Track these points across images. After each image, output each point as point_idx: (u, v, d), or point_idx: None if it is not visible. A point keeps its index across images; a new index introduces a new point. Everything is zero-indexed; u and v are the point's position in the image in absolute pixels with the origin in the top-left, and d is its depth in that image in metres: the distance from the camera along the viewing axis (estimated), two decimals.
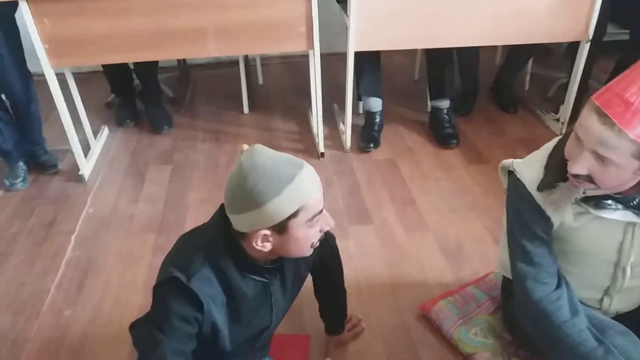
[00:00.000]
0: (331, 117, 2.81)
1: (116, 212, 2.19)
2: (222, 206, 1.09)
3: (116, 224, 2.12)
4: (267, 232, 1.01)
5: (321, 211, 1.05)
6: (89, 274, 1.87)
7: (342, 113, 2.60)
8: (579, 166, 1.00)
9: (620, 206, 1.11)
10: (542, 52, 3.33)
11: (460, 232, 2.00)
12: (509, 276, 1.32)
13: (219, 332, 1.09)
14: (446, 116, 2.61)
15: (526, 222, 1.17)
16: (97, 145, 2.66)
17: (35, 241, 2.05)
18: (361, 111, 2.80)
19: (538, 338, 1.22)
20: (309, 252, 1.11)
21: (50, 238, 2.06)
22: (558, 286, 1.18)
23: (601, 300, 1.27)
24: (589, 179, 1.02)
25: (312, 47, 2.27)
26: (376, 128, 2.59)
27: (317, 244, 1.11)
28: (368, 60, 2.52)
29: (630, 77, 0.96)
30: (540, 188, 1.13)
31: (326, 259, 1.40)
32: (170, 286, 1.02)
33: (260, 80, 3.35)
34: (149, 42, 2.20)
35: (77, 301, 1.76)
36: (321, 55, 2.29)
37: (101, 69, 2.90)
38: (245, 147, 1.03)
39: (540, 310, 1.16)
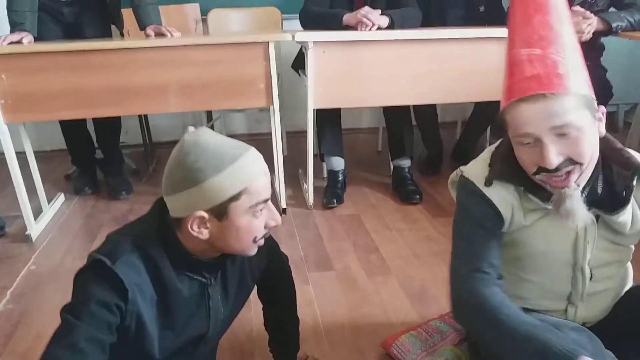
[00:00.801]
0: (296, 182, 2.80)
1: (61, 269, 2.05)
2: (160, 198, 1.01)
3: (59, 280, 1.97)
4: (205, 215, 0.92)
5: (266, 201, 0.98)
6: (20, 326, 1.70)
7: (305, 175, 2.59)
8: (552, 156, 0.95)
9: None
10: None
11: (425, 276, 1.91)
12: None
13: (145, 331, 0.95)
14: (407, 174, 2.61)
15: (475, 216, 1.11)
16: (51, 210, 2.56)
17: None
18: (325, 175, 2.79)
19: (479, 331, 1.09)
20: (251, 249, 1.01)
21: None
22: (498, 279, 1.09)
23: (565, 310, 1.18)
24: (568, 162, 0.97)
25: (272, 103, 2.31)
26: (339, 186, 2.57)
27: (261, 242, 1.02)
28: (329, 121, 2.56)
29: (512, 68, 0.99)
30: (486, 183, 1.09)
31: (277, 278, 1.30)
32: (92, 270, 0.91)
33: None
34: (109, 99, 2.21)
35: (2, 352, 1.58)
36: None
37: (64, 147, 2.86)
38: (191, 128, 0.98)
39: (477, 296, 1.04)
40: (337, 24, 2.39)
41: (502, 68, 1.03)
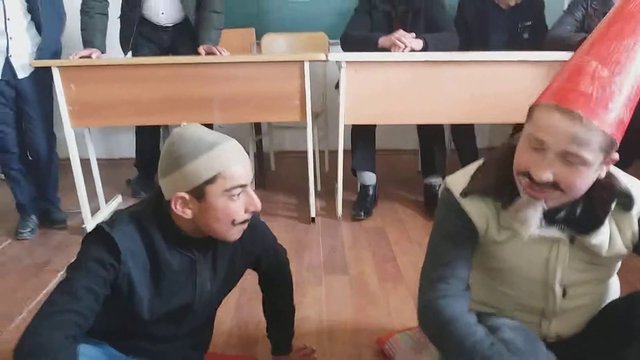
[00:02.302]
0: (332, 196, 2.91)
1: None
2: None
3: None
4: (186, 196, 1.06)
5: (244, 186, 1.09)
6: None
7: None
8: (544, 172, 0.94)
9: (544, 222, 1.04)
10: None
11: None
12: None
13: (135, 292, 1.09)
14: (439, 192, 2.65)
15: (449, 228, 1.13)
16: (107, 209, 2.83)
17: (24, 277, 2.14)
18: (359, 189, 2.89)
19: (434, 341, 1.12)
20: (232, 232, 1.11)
21: (38, 275, 2.15)
22: (464, 290, 1.11)
23: (540, 324, 1.18)
24: (554, 186, 0.97)
25: (305, 118, 2.47)
26: (369, 199, 2.67)
27: (243, 227, 1.13)
28: (362, 137, 2.68)
29: (572, 73, 0.96)
30: (462, 194, 1.10)
31: (274, 268, 1.41)
32: (94, 235, 1.08)
33: (273, 167, 3.56)
34: (162, 108, 2.46)
35: None
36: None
37: (126, 155, 3.15)
38: (183, 124, 1.14)
39: (434, 307, 1.07)
40: (373, 47, 2.53)
41: (532, 91, 1.00)
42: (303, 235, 2.45)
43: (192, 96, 2.45)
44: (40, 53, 2.43)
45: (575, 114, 0.91)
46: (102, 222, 1.08)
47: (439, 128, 2.71)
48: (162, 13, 2.77)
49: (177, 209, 1.07)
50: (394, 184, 3.13)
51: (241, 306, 1.84)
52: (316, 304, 1.85)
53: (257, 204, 1.11)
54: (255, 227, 1.24)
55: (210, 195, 1.06)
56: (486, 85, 2.39)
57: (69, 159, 2.51)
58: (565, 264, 1.10)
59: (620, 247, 1.08)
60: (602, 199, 1.04)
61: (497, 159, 1.11)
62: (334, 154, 3.41)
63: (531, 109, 1.00)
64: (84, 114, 2.46)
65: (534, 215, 1.02)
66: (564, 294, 1.13)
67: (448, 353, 1.06)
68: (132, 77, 2.41)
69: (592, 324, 1.19)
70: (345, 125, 2.49)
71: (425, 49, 2.50)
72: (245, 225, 1.14)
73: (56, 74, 2.37)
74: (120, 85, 2.42)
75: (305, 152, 2.57)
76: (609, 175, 1.04)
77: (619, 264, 1.18)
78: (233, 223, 1.10)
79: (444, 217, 1.14)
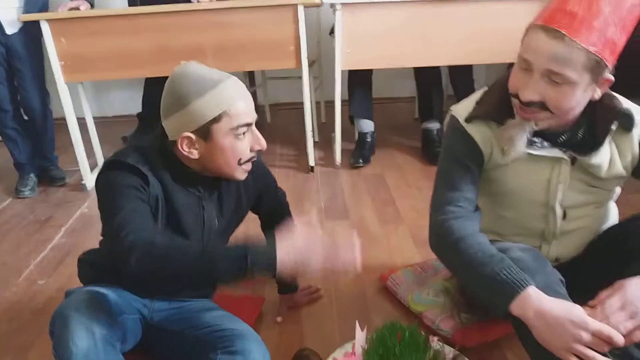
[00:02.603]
0: (330, 146, 2.91)
1: None
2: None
3: None
4: (192, 135, 1.06)
5: (249, 125, 1.09)
6: (70, 255, 1.95)
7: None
8: (531, 91, 0.99)
9: (546, 144, 1.10)
10: None
11: None
12: None
13: (157, 223, 1.09)
14: (436, 137, 2.66)
15: (456, 153, 1.17)
16: None
17: (27, 233, 2.16)
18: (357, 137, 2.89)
19: (446, 260, 1.16)
20: (239, 171, 1.13)
21: (42, 230, 2.17)
22: (474, 211, 1.14)
23: (540, 247, 1.22)
24: (542, 106, 1.00)
25: (300, 66, 2.43)
26: (367, 147, 2.67)
27: (248, 167, 1.14)
28: (358, 84, 2.66)
29: None
30: (467, 120, 1.14)
31: (274, 207, 1.43)
32: (109, 170, 1.07)
33: (268, 120, 3.54)
34: (154, 59, 2.42)
35: (53, 274, 1.83)
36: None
37: (119, 113, 3.10)
38: (182, 62, 1.12)
39: (446, 227, 1.10)
40: None
41: (522, 29, 1.01)
42: (302, 184, 2.46)
43: (185, 45, 2.40)
44: (28, 7, 2.37)
45: (557, 33, 0.94)
46: (115, 156, 1.08)
47: (436, 73, 2.68)
48: None
49: (184, 149, 1.08)
50: (391, 131, 3.12)
51: None
52: None
53: (263, 143, 1.12)
54: (258, 165, 1.25)
55: (217, 134, 1.06)
56: (484, 23, 2.35)
57: (62, 119, 2.48)
58: (566, 184, 1.13)
59: (619, 168, 1.11)
60: (603, 119, 1.07)
61: (498, 85, 1.13)
62: (329, 104, 3.40)
63: (525, 32, 1.03)
64: (76, 68, 2.42)
65: (521, 136, 1.06)
66: (564, 216, 1.16)
67: (460, 270, 1.10)
68: (123, 28, 2.36)
69: (590, 247, 1.23)
70: (342, 72, 2.45)
71: None
72: (250, 165, 1.15)
73: (45, 28, 2.32)
74: (111, 37, 2.37)
75: (301, 104, 2.55)
76: (611, 97, 1.07)
77: (619, 189, 1.21)
78: (239, 162, 1.11)
79: (450, 143, 1.18)
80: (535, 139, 1.09)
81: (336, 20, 2.36)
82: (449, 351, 1.23)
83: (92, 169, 2.65)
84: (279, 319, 1.49)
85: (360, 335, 1.19)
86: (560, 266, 1.21)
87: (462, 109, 1.17)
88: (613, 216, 1.27)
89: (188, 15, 2.35)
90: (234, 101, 1.05)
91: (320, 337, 1.43)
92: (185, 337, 1.17)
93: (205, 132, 1.06)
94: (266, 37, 2.39)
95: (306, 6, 2.35)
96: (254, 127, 1.12)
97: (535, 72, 0.98)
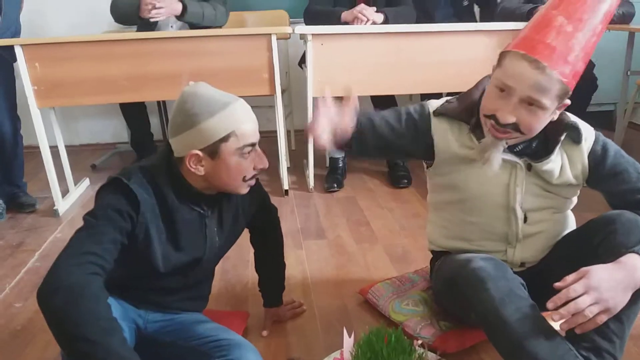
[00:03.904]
0: (302, 172, 2.98)
1: None
2: (167, 141, 1.20)
3: None
4: (200, 153, 1.12)
5: (254, 145, 1.16)
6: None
7: (308, 163, 2.78)
8: (509, 115, 1.09)
9: (505, 150, 1.21)
10: None
11: (408, 244, 2.08)
12: (437, 249, 1.43)
13: (151, 244, 1.14)
14: (399, 162, 2.78)
15: (408, 118, 1.29)
16: (77, 191, 2.80)
17: (0, 257, 2.12)
18: (328, 164, 2.97)
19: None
20: (242, 187, 1.20)
21: (14, 255, 2.14)
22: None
23: (505, 251, 1.32)
24: (515, 127, 1.11)
25: (274, 92, 2.52)
26: (339, 172, 2.76)
27: (252, 182, 1.21)
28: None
29: (541, 25, 1.09)
30: (434, 113, 1.27)
31: (266, 223, 1.50)
32: (109, 186, 1.11)
33: None
34: (129, 85, 2.45)
35: (30, 297, 1.80)
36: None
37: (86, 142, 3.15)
38: (192, 83, 1.19)
39: None
40: (336, 21, 2.61)
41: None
42: (277, 206, 2.48)
43: (160, 72, 2.45)
44: (0, 32, 2.38)
45: (540, 64, 1.05)
46: (118, 175, 1.12)
47: (391, 100, 2.79)
48: None
49: (191, 166, 1.13)
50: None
51: (227, 271, 1.90)
52: (299, 264, 1.94)
53: (265, 162, 1.19)
54: (255, 184, 1.31)
55: (224, 153, 1.12)
56: (444, 55, 2.51)
57: (30, 146, 2.46)
58: (523, 187, 1.25)
59: (569, 176, 1.24)
60: (554, 131, 1.21)
61: (470, 95, 1.25)
62: (299, 132, 3.50)
63: (502, 55, 1.13)
64: (50, 94, 2.43)
65: (497, 156, 1.18)
66: (525, 219, 1.28)
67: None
68: (97, 54, 2.39)
69: (554, 251, 1.34)
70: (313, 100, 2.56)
71: (385, 22, 2.60)
72: (253, 181, 1.21)
73: (19, 53, 2.33)
74: (86, 63, 2.40)
75: (272, 132, 2.63)
76: (563, 114, 1.21)
77: (575, 199, 1.32)
78: (244, 179, 1.18)
79: (408, 110, 1.29)
80: None
81: (307, 50, 2.47)
82: (432, 356, 1.31)
83: (63, 195, 2.62)
84: (264, 332, 1.53)
85: (348, 342, 1.24)
86: (527, 271, 1.32)
87: (434, 103, 1.30)
88: (571, 224, 1.38)
89: (164, 42, 2.41)
90: (242, 122, 1.12)
91: (306, 348, 1.47)
92: (180, 347, 1.20)
93: (213, 150, 1.12)
94: (241, 65, 2.47)
95: (279, 35, 2.46)
96: (257, 146, 1.18)
97: (514, 97, 1.09)
